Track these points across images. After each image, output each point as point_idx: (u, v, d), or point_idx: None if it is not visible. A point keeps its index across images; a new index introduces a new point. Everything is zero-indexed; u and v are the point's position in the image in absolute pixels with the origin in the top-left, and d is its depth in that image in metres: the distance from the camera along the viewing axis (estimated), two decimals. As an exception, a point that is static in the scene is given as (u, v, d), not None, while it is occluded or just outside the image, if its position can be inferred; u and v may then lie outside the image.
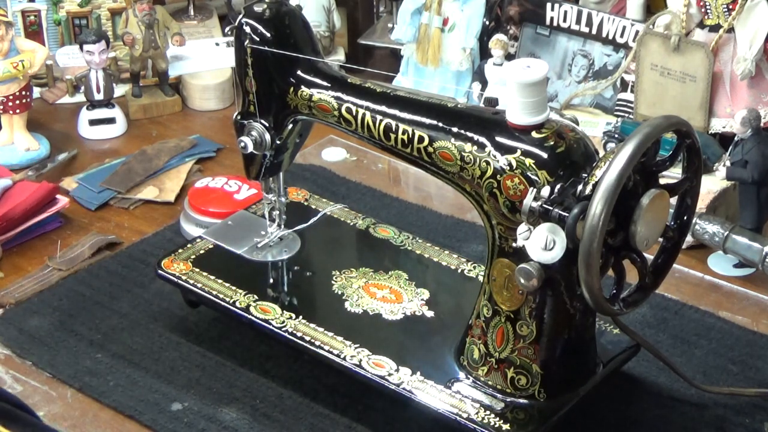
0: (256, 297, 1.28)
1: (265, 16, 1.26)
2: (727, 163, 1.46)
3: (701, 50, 1.59)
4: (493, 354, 1.14)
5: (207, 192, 1.53)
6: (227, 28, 1.32)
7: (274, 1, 1.26)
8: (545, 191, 1.03)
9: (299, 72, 1.25)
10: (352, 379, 1.19)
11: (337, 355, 1.20)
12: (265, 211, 1.38)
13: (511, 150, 1.06)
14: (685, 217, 1.12)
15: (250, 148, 1.29)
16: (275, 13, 1.26)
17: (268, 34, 1.25)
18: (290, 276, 1.35)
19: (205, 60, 1.94)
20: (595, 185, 0.99)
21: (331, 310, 1.27)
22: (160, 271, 1.33)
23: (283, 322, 1.24)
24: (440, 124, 1.13)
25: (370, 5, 2.06)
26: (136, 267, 1.45)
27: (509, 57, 1.76)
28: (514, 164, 1.06)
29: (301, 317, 1.24)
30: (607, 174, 0.97)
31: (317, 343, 1.21)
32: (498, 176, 1.07)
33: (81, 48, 1.78)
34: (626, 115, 1.70)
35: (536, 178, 1.04)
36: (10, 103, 1.71)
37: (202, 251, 1.36)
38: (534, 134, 1.06)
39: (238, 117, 1.31)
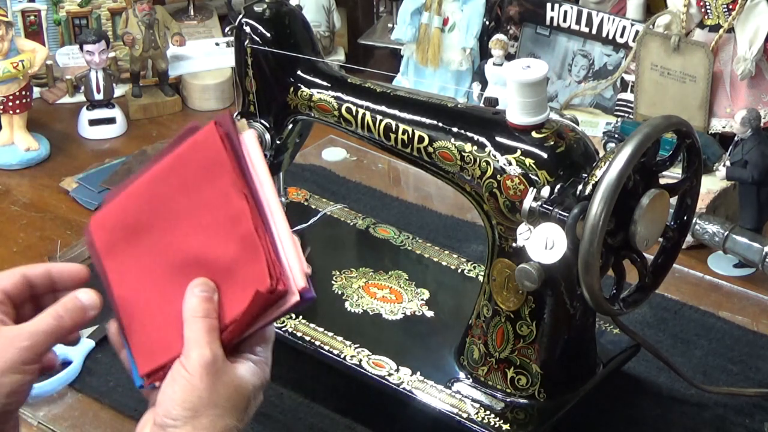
0: (256, 297, 1.27)
1: (265, 16, 1.26)
2: (727, 163, 1.46)
3: (701, 50, 1.59)
4: (493, 354, 1.14)
5: (207, 192, 1.53)
6: (227, 28, 1.32)
7: (274, 1, 1.26)
8: (545, 191, 1.03)
9: (299, 72, 1.26)
10: (352, 379, 1.19)
11: (337, 355, 1.20)
12: (265, 211, 1.38)
13: (511, 150, 1.06)
14: (685, 217, 1.12)
15: (250, 148, 1.29)
16: (275, 13, 1.26)
17: (268, 34, 1.25)
18: (290, 276, 1.34)
19: (205, 60, 1.94)
20: (595, 185, 0.99)
21: (331, 310, 1.27)
22: (160, 271, 1.33)
23: (283, 322, 1.24)
24: (440, 124, 1.13)
25: (370, 5, 2.06)
26: (136, 267, 1.45)
27: (509, 57, 1.76)
28: (514, 164, 1.06)
29: (301, 317, 1.24)
30: (607, 174, 0.97)
31: (317, 343, 1.21)
32: (498, 176, 1.07)
33: (81, 48, 1.78)
34: (626, 115, 1.70)
35: (536, 178, 1.04)
36: (10, 103, 1.71)
37: (202, 251, 1.36)
38: (534, 134, 1.06)
39: (238, 117, 1.31)
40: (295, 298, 0.85)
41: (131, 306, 0.91)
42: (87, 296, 0.89)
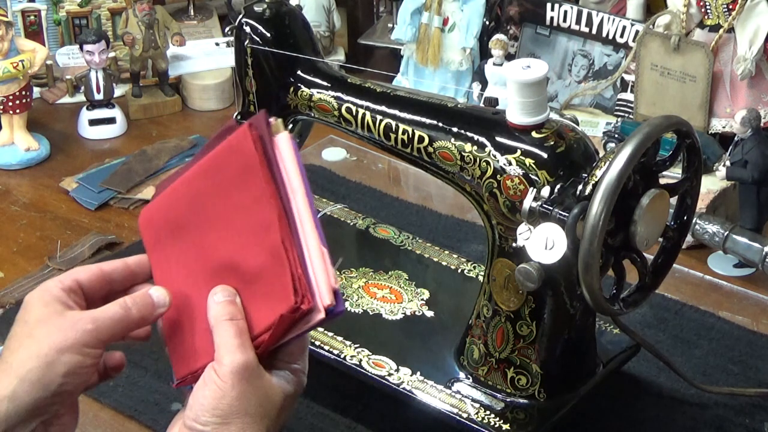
0: (256, 297, 1.27)
1: (265, 16, 1.26)
2: (727, 163, 1.46)
3: (701, 50, 1.59)
4: (493, 354, 1.14)
5: (207, 192, 1.53)
6: (227, 28, 1.32)
7: (274, 1, 1.26)
8: (545, 191, 1.03)
9: (299, 72, 1.26)
10: (352, 379, 1.19)
11: (337, 355, 1.20)
12: (265, 211, 1.38)
13: (511, 150, 1.06)
14: (685, 217, 1.12)
15: (250, 148, 1.29)
16: (275, 13, 1.26)
17: (268, 34, 1.25)
18: (290, 276, 1.34)
19: (205, 60, 1.94)
20: (595, 185, 0.99)
21: (331, 310, 1.27)
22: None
23: (283, 322, 1.24)
24: (440, 124, 1.13)
25: (370, 5, 2.06)
26: (136, 267, 1.45)
27: (509, 57, 1.76)
28: (514, 164, 1.06)
29: (301, 317, 1.24)
30: (607, 174, 0.97)
31: (317, 343, 1.21)
32: (498, 176, 1.07)
33: (81, 48, 1.78)
34: (626, 115, 1.70)
35: (536, 178, 1.04)
36: (10, 103, 1.71)
37: (202, 251, 1.36)
38: (534, 134, 1.06)
39: (238, 117, 1.31)
40: (320, 315, 0.84)
41: (171, 306, 0.91)
42: (158, 293, 0.90)
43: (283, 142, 0.89)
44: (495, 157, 1.07)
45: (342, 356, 1.19)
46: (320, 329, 1.22)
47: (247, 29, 1.26)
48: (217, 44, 1.99)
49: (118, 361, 0.94)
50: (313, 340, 1.21)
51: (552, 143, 1.06)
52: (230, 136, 0.91)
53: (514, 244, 1.07)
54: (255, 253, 0.87)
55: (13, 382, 0.84)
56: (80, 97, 1.87)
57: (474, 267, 1.34)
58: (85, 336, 0.85)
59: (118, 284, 0.93)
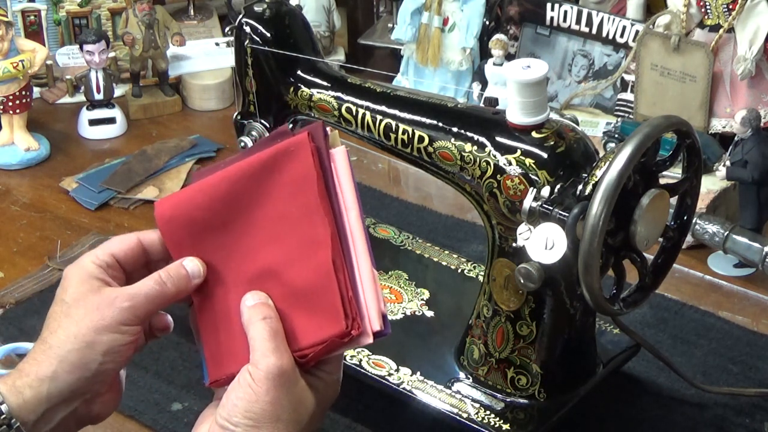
0: (256, 297, 1.27)
1: (265, 16, 1.26)
2: (727, 163, 1.46)
3: (701, 50, 1.59)
4: (493, 354, 1.14)
5: (207, 192, 1.53)
6: (227, 28, 1.32)
7: (274, 1, 1.26)
8: (545, 191, 1.03)
9: (299, 72, 1.26)
10: (352, 379, 1.19)
11: (337, 355, 1.20)
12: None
13: (511, 150, 1.06)
14: (685, 217, 1.12)
15: (250, 148, 1.29)
16: (275, 13, 1.26)
17: (268, 34, 1.25)
18: (290, 276, 1.34)
19: (205, 60, 1.94)
20: (595, 185, 0.99)
21: (331, 310, 1.27)
22: (160, 271, 1.33)
23: (283, 322, 1.24)
24: (440, 124, 1.13)
25: (370, 5, 2.06)
26: (136, 267, 1.45)
27: (509, 57, 1.76)
28: (514, 164, 1.06)
29: (301, 317, 1.24)
30: (607, 174, 0.97)
31: (317, 343, 1.21)
32: (498, 176, 1.07)
33: (81, 48, 1.78)
34: (626, 115, 1.70)
35: (536, 178, 1.04)
36: (10, 103, 1.71)
37: (202, 251, 1.36)
38: (534, 134, 1.06)
39: (238, 117, 1.31)
40: (368, 340, 0.84)
41: (204, 306, 0.91)
42: (192, 264, 0.90)
43: (340, 156, 0.88)
44: (495, 157, 1.07)
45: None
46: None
47: (247, 29, 1.26)
48: (217, 44, 1.99)
49: (165, 323, 0.94)
50: (313, 340, 1.21)
51: (552, 143, 1.06)
52: (284, 141, 0.88)
53: (514, 244, 1.07)
54: (301, 267, 0.86)
55: (53, 363, 0.85)
56: (80, 97, 1.87)
57: (474, 267, 1.34)
58: (123, 314, 0.86)
59: (156, 255, 0.92)
